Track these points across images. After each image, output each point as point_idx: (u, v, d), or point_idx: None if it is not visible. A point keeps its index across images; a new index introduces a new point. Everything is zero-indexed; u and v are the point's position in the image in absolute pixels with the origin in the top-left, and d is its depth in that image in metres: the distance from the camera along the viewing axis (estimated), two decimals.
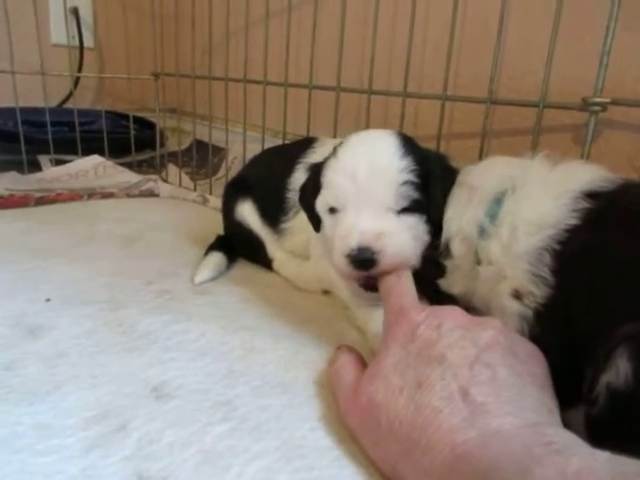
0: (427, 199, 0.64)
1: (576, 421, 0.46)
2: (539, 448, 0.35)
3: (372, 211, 0.62)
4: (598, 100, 0.76)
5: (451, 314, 0.50)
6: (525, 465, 0.34)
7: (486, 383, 0.42)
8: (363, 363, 0.56)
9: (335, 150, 0.68)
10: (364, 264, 0.60)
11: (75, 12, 1.85)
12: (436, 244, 0.65)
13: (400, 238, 0.61)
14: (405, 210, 0.63)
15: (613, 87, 0.79)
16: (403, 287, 0.57)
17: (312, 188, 0.70)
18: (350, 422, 0.50)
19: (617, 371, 0.41)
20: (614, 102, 0.76)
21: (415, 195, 0.63)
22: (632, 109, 0.80)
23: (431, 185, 0.64)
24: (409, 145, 0.66)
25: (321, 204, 0.68)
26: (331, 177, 0.66)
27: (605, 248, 0.50)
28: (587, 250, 0.51)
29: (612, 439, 0.36)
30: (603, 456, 0.34)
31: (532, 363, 0.46)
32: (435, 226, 0.65)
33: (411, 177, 0.62)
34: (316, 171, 0.70)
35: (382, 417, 0.45)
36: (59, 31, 1.81)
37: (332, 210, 0.66)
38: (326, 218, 0.68)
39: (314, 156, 0.85)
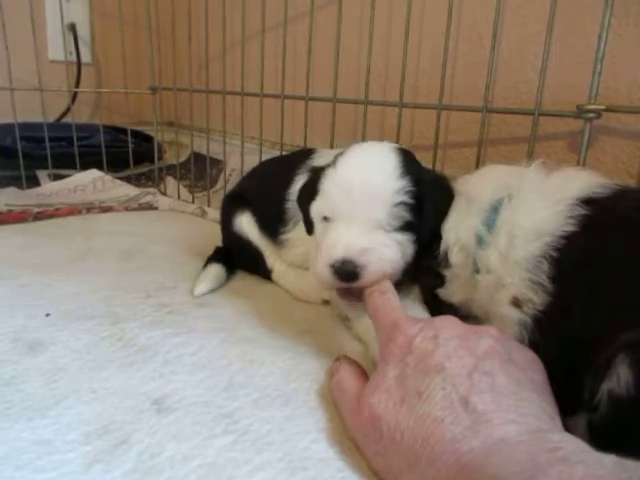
0: (419, 219, 0.64)
1: (577, 428, 0.46)
2: (544, 455, 0.35)
3: (362, 227, 0.62)
4: (592, 107, 0.76)
5: (447, 324, 0.50)
6: (531, 475, 0.34)
7: (486, 392, 0.42)
8: (364, 375, 0.56)
9: (336, 159, 0.69)
10: (347, 276, 0.61)
11: (72, 28, 1.86)
12: (435, 254, 0.65)
13: (385, 254, 0.62)
14: (396, 229, 0.64)
15: (607, 94, 0.79)
16: (390, 303, 0.56)
17: (309, 192, 0.71)
18: (354, 434, 0.50)
19: (618, 378, 0.41)
20: (609, 109, 0.76)
21: (407, 216, 0.63)
22: (627, 115, 0.81)
23: (425, 206, 0.64)
24: (408, 164, 0.66)
25: (315, 211, 0.69)
26: (328, 187, 0.66)
27: (603, 254, 0.50)
28: (585, 256, 0.51)
29: (614, 445, 0.36)
30: (609, 461, 0.34)
31: (530, 370, 0.46)
32: (424, 244, 0.66)
33: (405, 199, 0.63)
34: (315, 176, 0.70)
35: (384, 429, 0.45)
36: (56, 47, 1.83)
37: (325, 218, 0.67)
38: (318, 224, 0.69)
39: None
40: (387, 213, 0.62)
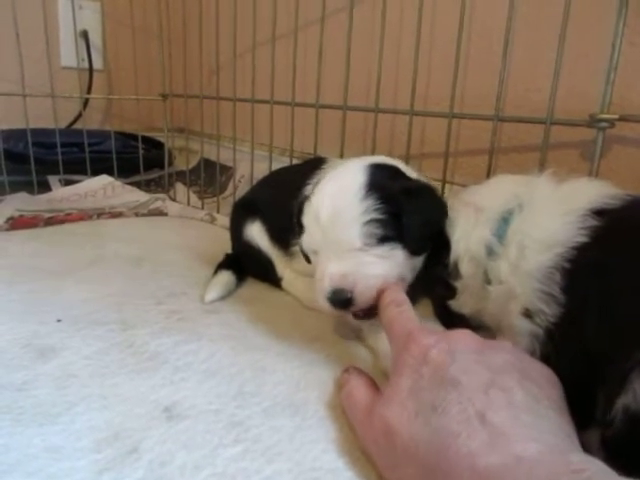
0: (401, 233, 0.64)
1: (589, 443, 0.45)
2: (567, 476, 0.34)
3: (338, 253, 0.64)
4: (605, 116, 0.76)
5: (462, 338, 0.49)
6: None
7: (504, 407, 0.41)
8: (374, 385, 0.55)
9: (313, 188, 0.70)
10: (342, 304, 0.63)
11: (85, 35, 1.88)
12: (445, 265, 0.65)
13: (366, 271, 0.63)
14: (374, 245, 0.64)
15: (621, 103, 0.79)
16: (405, 315, 0.56)
17: (297, 225, 0.72)
18: (366, 445, 0.50)
19: (634, 394, 0.41)
20: (622, 118, 0.76)
21: (380, 232, 0.63)
22: None
23: (404, 218, 0.64)
24: (378, 181, 0.65)
25: (304, 247, 0.71)
26: (306, 221, 0.68)
27: (616, 265, 0.50)
28: (597, 268, 0.50)
29: (629, 462, 0.36)
30: None
31: (547, 387, 0.46)
32: (430, 255, 0.68)
33: (375, 216, 0.63)
34: (299, 209, 0.71)
35: (397, 440, 0.44)
36: (69, 54, 1.84)
37: (313, 251, 0.68)
38: (312, 257, 0.71)
39: None
40: (358, 234, 0.63)
